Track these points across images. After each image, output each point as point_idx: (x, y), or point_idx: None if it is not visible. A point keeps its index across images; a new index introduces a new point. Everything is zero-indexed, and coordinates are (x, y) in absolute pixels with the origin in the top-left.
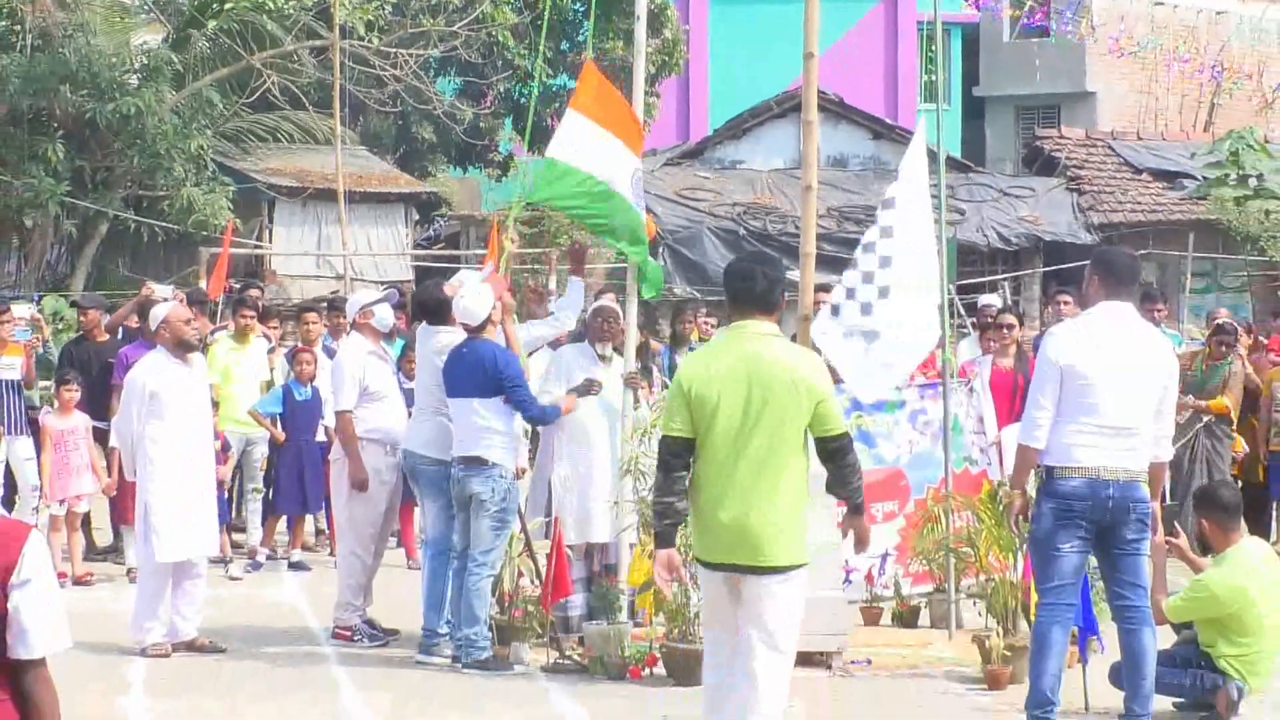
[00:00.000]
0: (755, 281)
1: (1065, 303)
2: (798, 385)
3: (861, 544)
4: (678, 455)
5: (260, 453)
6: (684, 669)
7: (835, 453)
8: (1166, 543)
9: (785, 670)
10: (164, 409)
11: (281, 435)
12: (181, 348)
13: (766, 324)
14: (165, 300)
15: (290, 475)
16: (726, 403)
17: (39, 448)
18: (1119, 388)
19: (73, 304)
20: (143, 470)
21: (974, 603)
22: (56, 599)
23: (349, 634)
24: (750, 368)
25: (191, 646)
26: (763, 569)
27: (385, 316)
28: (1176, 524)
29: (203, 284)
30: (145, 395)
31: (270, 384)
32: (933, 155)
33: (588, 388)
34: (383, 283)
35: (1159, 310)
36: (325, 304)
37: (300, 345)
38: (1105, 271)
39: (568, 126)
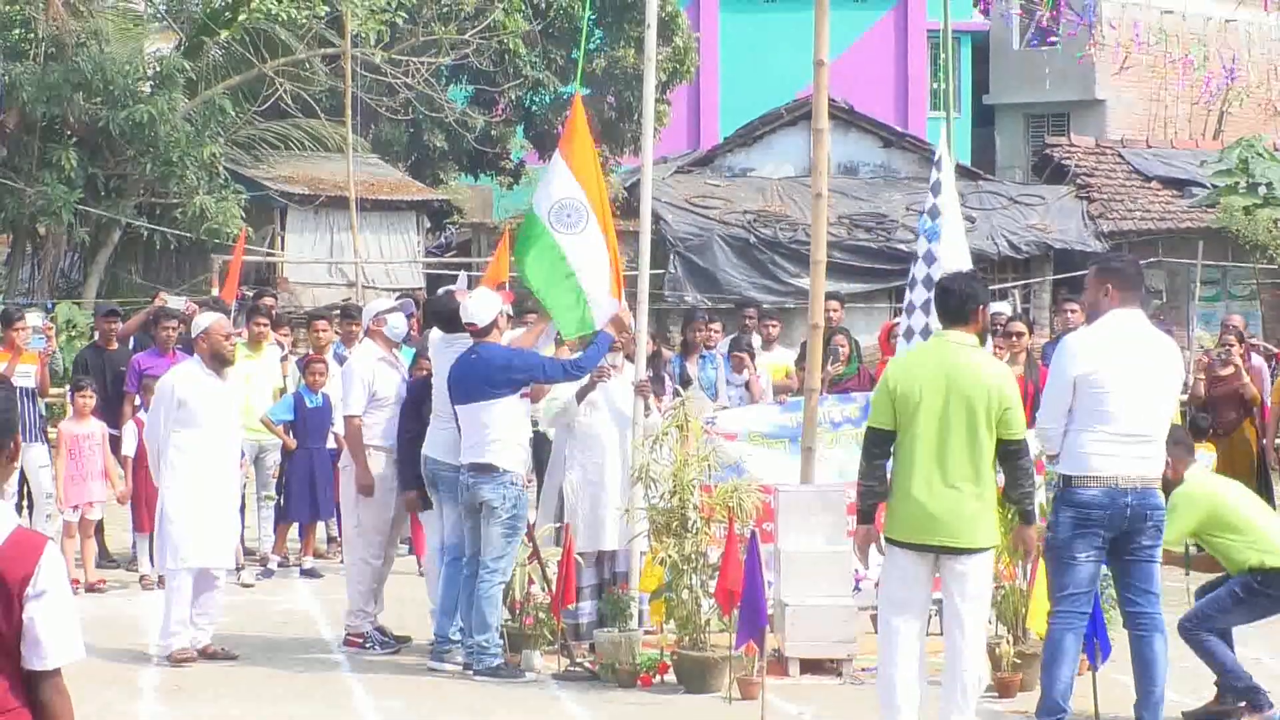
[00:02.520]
0: (950, 297)
1: (1072, 311)
2: (990, 391)
3: (1027, 553)
4: (879, 445)
5: (273, 460)
6: (696, 677)
7: (1011, 455)
8: None
9: (983, 636)
10: (193, 418)
11: (293, 443)
12: (217, 360)
13: (964, 334)
14: (179, 310)
15: (302, 482)
16: (928, 402)
17: (52, 454)
18: (1135, 395)
19: (110, 312)
20: (166, 477)
21: None
22: (71, 610)
23: (360, 641)
24: (949, 373)
25: (204, 654)
26: (962, 550)
27: (398, 325)
28: None
29: (214, 292)
30: (174, 402)
31: (282, 391)
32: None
33: (598, 377)
34: (395, 290)
35: None
36: (337, 311)
37: (312, 353)
38: (1118, 279)
39: (552, 171)
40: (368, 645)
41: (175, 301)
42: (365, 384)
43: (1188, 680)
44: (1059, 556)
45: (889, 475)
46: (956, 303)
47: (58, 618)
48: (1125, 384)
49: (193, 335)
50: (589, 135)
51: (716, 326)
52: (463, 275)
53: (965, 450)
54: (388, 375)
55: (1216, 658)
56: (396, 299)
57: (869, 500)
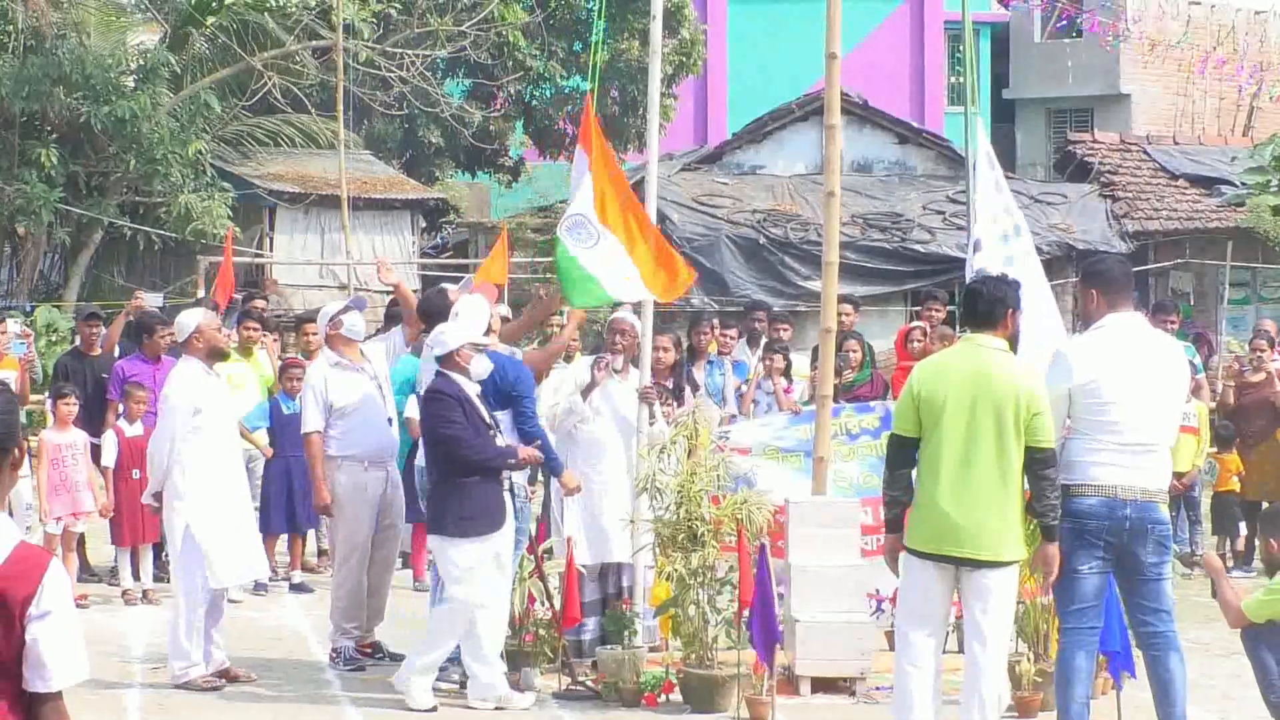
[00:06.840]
0: (978, 300)
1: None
2: (1020, 397)
3: (1049, 572)
4: (903, 453)
5: (259, 468)
6: (702, 696)
7: (1038, 463)
8: (1204, 558)
9: (1003, 653)
10: (205, 424)
11: (269, 451)
12: (215, 356)
13: (993, 339)
14: (157, 309)
15: (279, 492)
16: (954, 407)
17: (32, 464)
18: (1138, 403)
19: (91, 315)
20: (185, 490)
21: None
22: (76, 630)
23: (335, 657)
24: (977, 377)
25: (226, 675)
26: (986, 562)
27: (354, 324)
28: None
29: (200, 294)
30: (190, 410)
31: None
32: (963, 161)
33: (593, 381)
34: (387, 293)
35: (1172, 322)
36: None
37: (289, 358)
38: (1102, 283)
39: (576, 176)
40: (335, 662)
41: (152, 298)
42: (319, 396)
43: (1215, 700)
44: (1061, 571)
45: (913, 483)
46: (985, 306)
47: (62, 638)
48: (1127, 392)
49: (181, 338)
50: (600, 135)
51: (733, 333)
52: (468, 277)
53: (993, 458)
54: (346, 381)
55: (1263, 670)
56: (349, 300)
57: (895, 510)
